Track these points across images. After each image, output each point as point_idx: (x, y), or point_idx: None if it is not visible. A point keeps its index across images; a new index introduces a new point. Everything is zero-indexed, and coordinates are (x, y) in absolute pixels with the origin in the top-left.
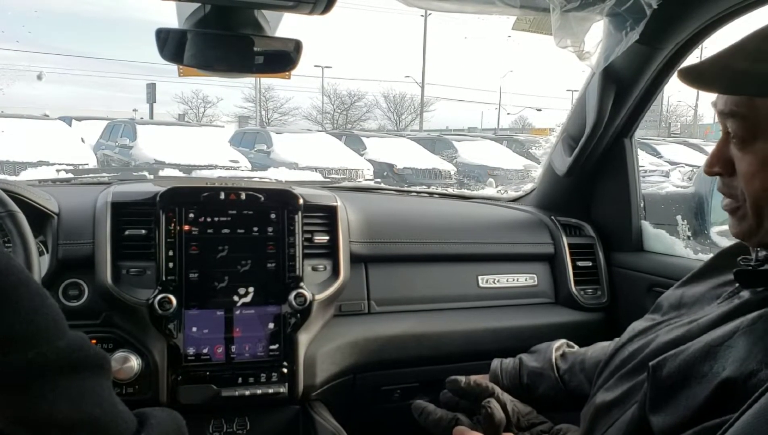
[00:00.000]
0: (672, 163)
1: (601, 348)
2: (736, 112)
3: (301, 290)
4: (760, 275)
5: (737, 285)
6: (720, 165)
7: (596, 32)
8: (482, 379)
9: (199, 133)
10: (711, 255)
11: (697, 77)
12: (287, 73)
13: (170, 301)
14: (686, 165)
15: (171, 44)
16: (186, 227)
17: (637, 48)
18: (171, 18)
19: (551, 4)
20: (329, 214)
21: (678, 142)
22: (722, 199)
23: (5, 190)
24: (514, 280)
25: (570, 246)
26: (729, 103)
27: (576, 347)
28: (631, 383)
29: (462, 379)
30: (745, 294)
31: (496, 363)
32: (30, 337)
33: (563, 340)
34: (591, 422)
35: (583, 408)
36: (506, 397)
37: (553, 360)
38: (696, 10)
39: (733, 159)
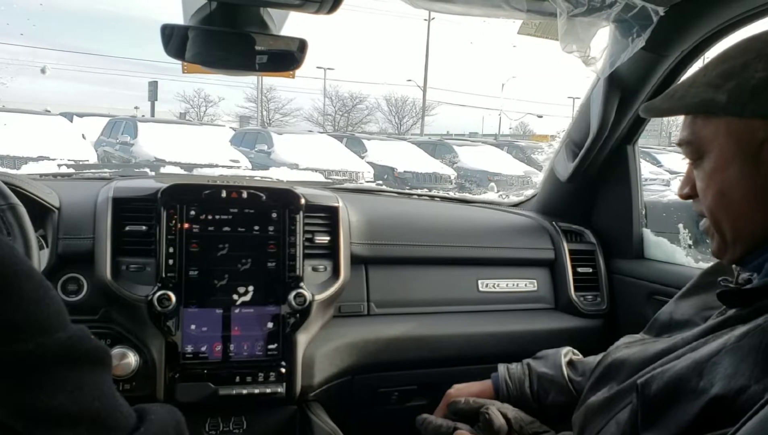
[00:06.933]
0: (672, 173)
1: None
2: (686, 139)
3: (300, 290)
4: (742, 294)
5: (723, 307)
6: (689, 187)
7: (602, 38)
8: (481, 397)
9: (200, 132)
10: (709, 264)
11: (653, 111)
12: (291, 73)
13: (169, 298)
14: None
15: (175, 40)
16: (187, 224)
17: (643, 55)
18: (177, 17)
19: (558, 9)
20: (331, 215)
21: (678, 152)
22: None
23: (6, 183)
24: (514, 284)
25: (570, 252)
26: (681, 135)
27: (580, 355)
28: (614, 390)
29: (461, 399)
30: (731, 312)
31: (502, 368)
32: (31, 328)
33: (569, 348)
34: (580, 427)
35: (573, 414)
36: (508, 407)
37: (563, 366)
38: (702, 18)
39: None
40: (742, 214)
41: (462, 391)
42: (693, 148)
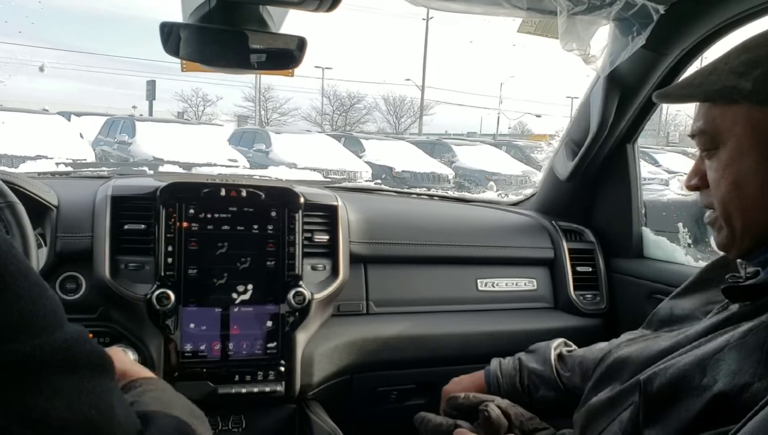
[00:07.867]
0: (670, 172)
1: (599, 350)
2: (701, 129)
3: (300, 289)
4: (748, 290)
5: (726, 301)
6: (698, 179)
7: (602, 36)
8: (472, 391)
9: (198, 132)
10: (709, 263)
11: (668, 97)
12: (290, 71)
13: (168, 297)
14: (685, 174)
15: (174, 38)
16: (185, 223)
17: (643, 53)
18: (176, 15)
19: (558, 7)
20: (330, 214)
21: (677, 152)
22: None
23: (5, 181)
24: (513, 284)
25: (570, 251)
26: (695, 125)
27: (573, 347)
28: (617, 390)
29: (461, 395)
30: (734, 307)
31: (495, 362)
32: (28, 327)
33: (561, 340)
34: (582, 427)
35: (575, 413)
36: (508, 403)
37: (552, 361)
38: (702, 17)
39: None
40: (755, 206)
41: (457, 385)
42: (708, 137)
